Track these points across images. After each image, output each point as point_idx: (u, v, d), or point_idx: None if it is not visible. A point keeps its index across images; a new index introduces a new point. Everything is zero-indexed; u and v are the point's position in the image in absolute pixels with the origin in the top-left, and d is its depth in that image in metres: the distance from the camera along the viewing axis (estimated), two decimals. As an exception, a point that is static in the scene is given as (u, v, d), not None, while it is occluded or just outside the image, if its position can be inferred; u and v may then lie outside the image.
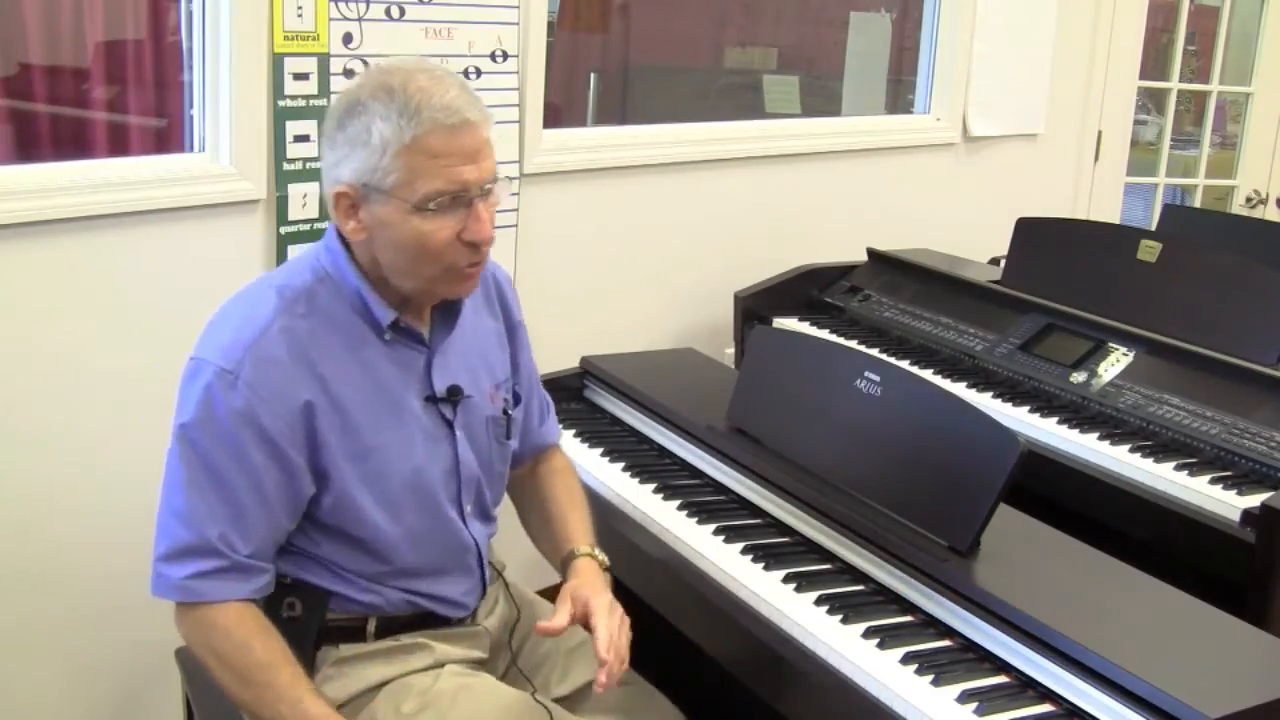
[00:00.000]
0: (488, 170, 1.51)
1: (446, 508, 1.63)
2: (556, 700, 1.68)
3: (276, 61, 2.29)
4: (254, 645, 1.49)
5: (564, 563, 1.71)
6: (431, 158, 1.46)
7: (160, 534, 1.54)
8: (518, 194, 2.74)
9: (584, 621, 1.58)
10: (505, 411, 1.73)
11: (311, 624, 1.58)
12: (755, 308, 2.99)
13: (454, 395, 1.63)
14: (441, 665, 1.63)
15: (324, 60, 2.36)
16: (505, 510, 1.79)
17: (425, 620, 1.64)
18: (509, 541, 1.82)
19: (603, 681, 1.52)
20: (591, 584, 1.63)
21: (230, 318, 1.55)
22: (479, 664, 1.68)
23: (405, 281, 1.54)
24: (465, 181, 1.48)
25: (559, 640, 1.76)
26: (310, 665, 1.58)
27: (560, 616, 1.57)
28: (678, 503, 2.01)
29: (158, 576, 1.53)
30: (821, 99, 4.08)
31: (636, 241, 3.06)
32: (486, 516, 1.72)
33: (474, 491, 1.68)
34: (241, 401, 1.47)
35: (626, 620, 1.62)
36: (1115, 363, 2.53)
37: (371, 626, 1.60)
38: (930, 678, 1.54)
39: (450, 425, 1.63)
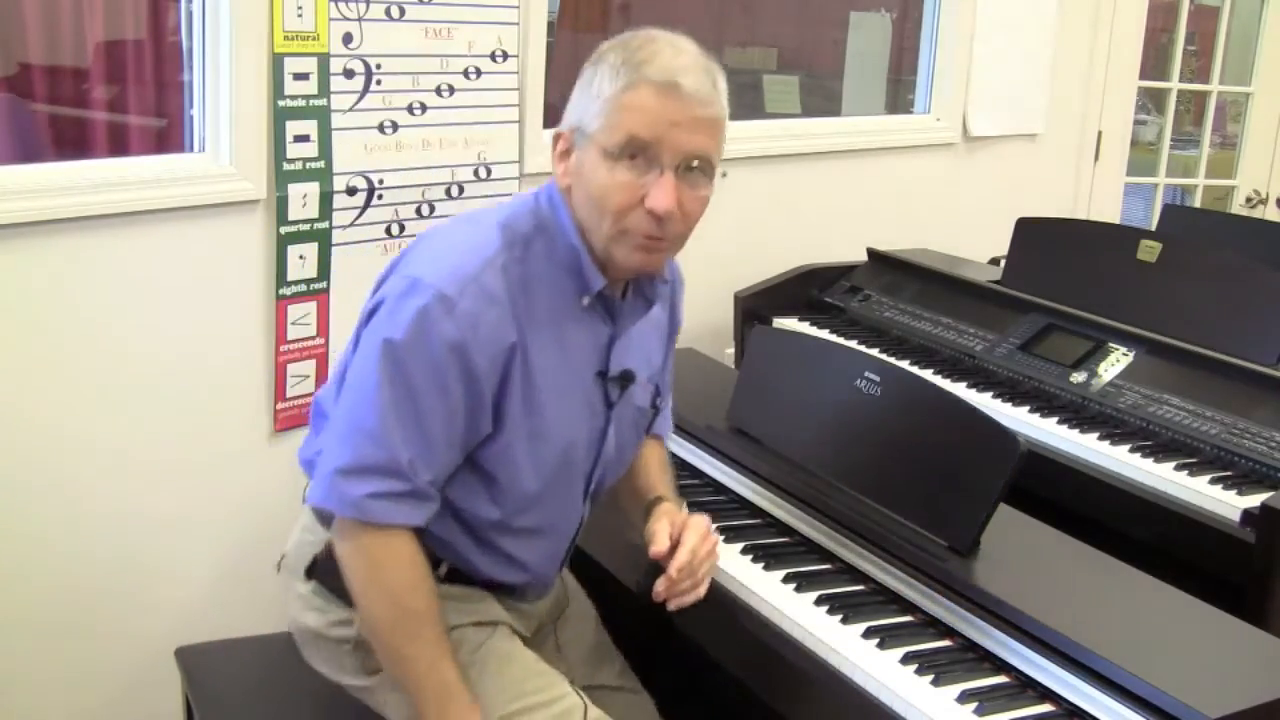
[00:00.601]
0: (691, 146, 1.48)
1: (578, 482, 1.66)
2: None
3: (276, 61, 2.29)
4: (421, 590, 1.50)
5: (648, 508, 1.73)
6: (633, 109, 1.47)
7: (344, 446, 1.49)
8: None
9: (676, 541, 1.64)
10: (653, 405, 1.77)
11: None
12: (755, 308, 2.99)
13: (626, 379, 1.65)
14: (492, 623, 1.65)
15: (324, 60, 2.35)
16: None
17: (489, 585, 1.66)
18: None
19: (659, 591, 1.59)
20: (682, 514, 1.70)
21: (453, 245, 1.53)
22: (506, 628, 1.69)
23: (592, 238, 1.54)
24: (658, 139, 1.46)
25: (589, 640, 1.83)
26: None
27: (660, 539, 1.61)
28: (678, 503, 2.01)
29: (333, 489, 1.49)
30: (821, 99, 4.08)
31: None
32: (597, 498, 1.75)
33: (603, 473, 1.70)
34: (455, 332, 1.46)
35: (717, 553, 1.68)
36: (1115, 363, 2.53)
37: (444, 570, 1.62)
38: (930, 678, 1.55)
39: (610, 406, 1.65)
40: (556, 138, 1.56)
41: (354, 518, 1.48)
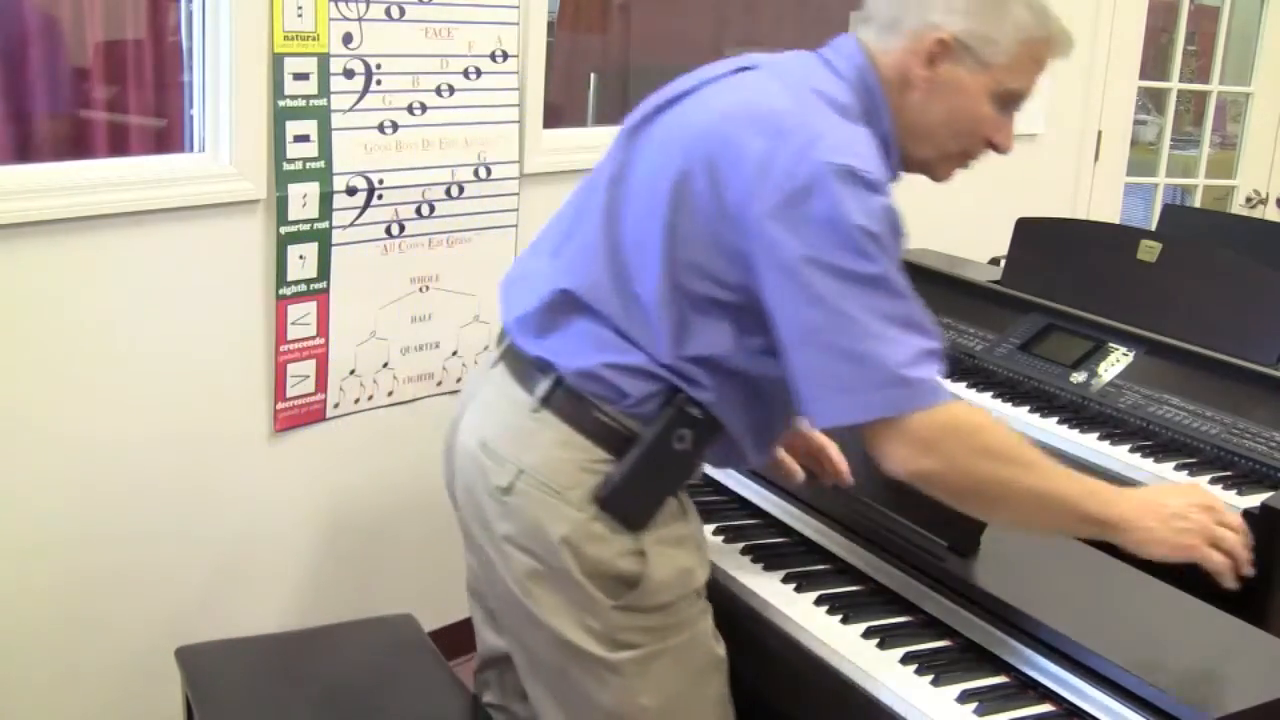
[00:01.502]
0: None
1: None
2: None
3: (276, 61, 2.29)
4: (1008, 430, 1.49)
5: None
6: (1036, 63, 1.54)
7: (889, 346, 1.38)
8: (518, 194, 2.74)
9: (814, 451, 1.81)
10: None
11: (693, 460, 1.55)
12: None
13: None
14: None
15: (324, 60, 2.35)
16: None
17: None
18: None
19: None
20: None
21: (836, 125, 1.45)
22: None
23: (920, 146, 1.57)
24: (1030, 96, 1.56)
25: None
26: (656, 509, 1.52)
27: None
28: (678, 503, 2.01)
29: (908, 386, 1.38)
30: (821, 99, 4.07)
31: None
32: None
33: None
34: (895, 213, 1.44)
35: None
36: (1115, 363, 2.53)
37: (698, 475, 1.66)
38: (930, 678, 1.54)
39: None
40: (940, 43, 1.50)
41: (938, 402, 1.40)
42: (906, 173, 1.61)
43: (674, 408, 1.49)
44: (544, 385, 1.54)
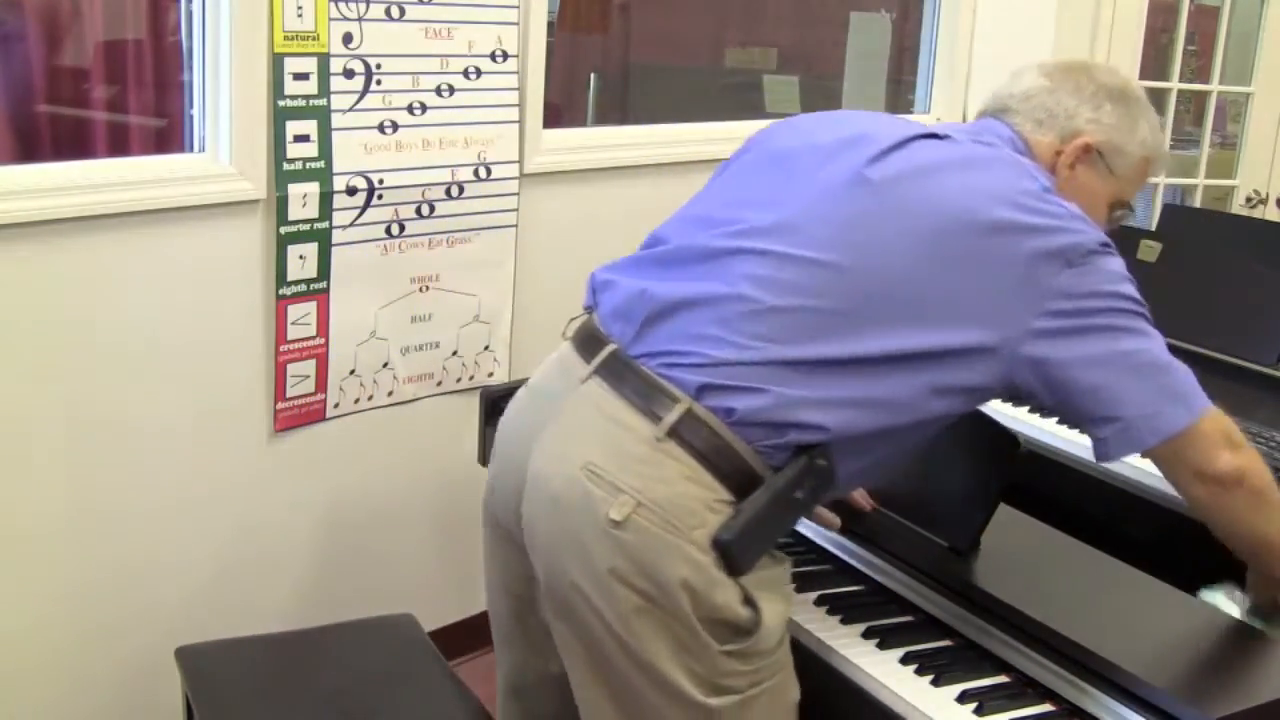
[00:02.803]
0: None
1: None
2: None
3: (276, 61, 2.29)
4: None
5: None
6: (1145, 179, 1.70)
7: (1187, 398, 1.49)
8: (518, 194, 2.74)
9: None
10: None
11: (799, 517, 1.54)
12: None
13: None
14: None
15: (324, 60, 2.35)
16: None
17: None
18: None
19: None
20: None
21: (1070, 208, 1.51)
22: None
23: None
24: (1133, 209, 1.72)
25: None
26: (757, 561, 1.44)
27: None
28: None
29: (1215, 439, 1.49)
30: (821, 99, 4.08)
31: (637, 242, 3.05)
32: None
33: None
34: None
35: None
36: (1115, 363, 2.53)
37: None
38: (930, 678, 1.54)
39: None
40: (1086, 148, 1.63)
41: (1208, 406, 1.49)
42: None
43: (807, 457, 1.43)
44: (675, 413, 1.43)
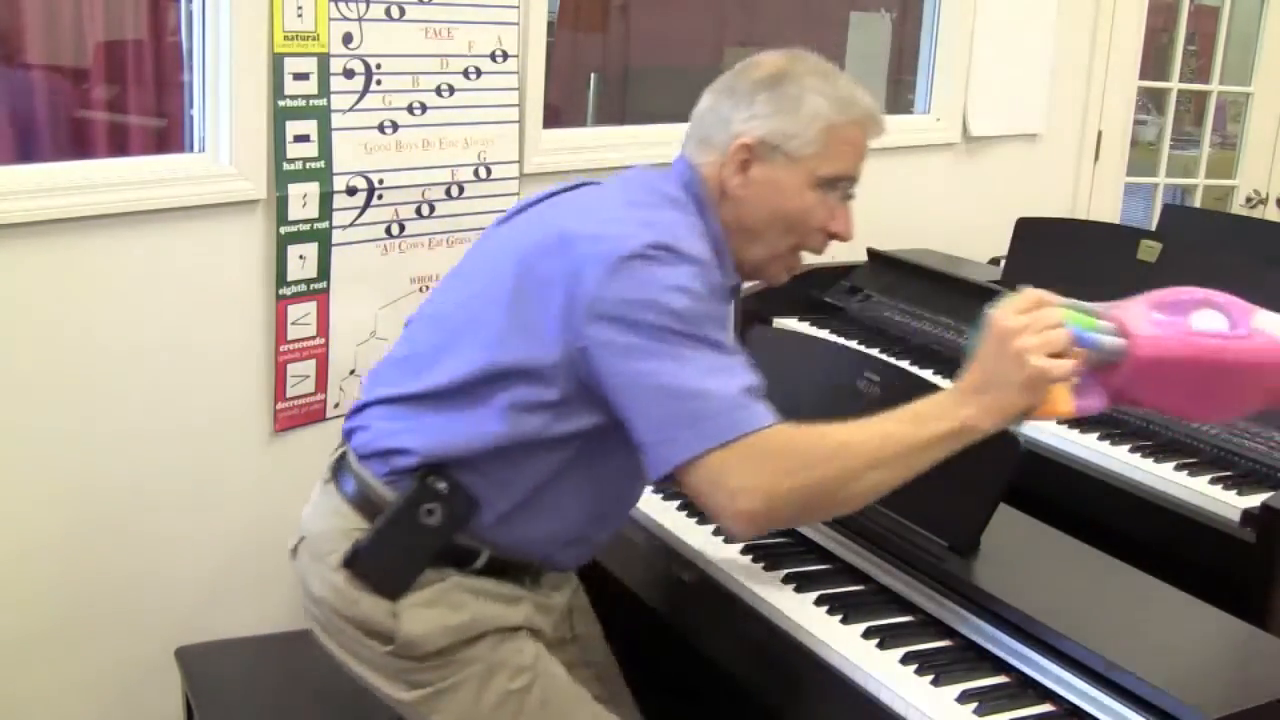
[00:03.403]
0: (860, 173, 1.62)
1: None
2: None
3: (276, 61, 2.29)
4: (824, 432, 1.40)
5: None
6: (848, 144, 1.59)
7: (714, 386, 1.40)
8: (518, 194, 2.74)
9: None
10: None
11: (440, 538, 1.55)
12: (755, 308, 2.99)
13: None
14: (532, 631, 1.63)
15: (324, 60, 2.35)
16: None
17: (527, 571, 1.63)
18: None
19: None
20: None
21: (657, 214, 1.51)
22: (535, 634, 1.66)
23: (753, 248, 1.59)
24: (856, 175, 1.61)
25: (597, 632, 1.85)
26: (412, 578, 1.55)
27: None
28: (677, 503, 2.01)
29: (739, 412, 1.38)
30: (821, 99, 4.07)
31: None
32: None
33: None
34: (716, 277, 1.49)
35: None
36: (1115, 363, 2.53)
37: (483, 559, 1.58)
38: (930, 678, 1.55)
39: None
40: (743, 148, 1.57)
41: (744, 433, 1.37)
42: (744, 279, 1.65)
43: (419, 479, 1.54)
44: (334, 457, 1.68)
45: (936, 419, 1.40)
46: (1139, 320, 1.41)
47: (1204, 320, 1.42)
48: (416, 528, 1.53)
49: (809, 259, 3.18)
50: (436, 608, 1.56)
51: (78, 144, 2.42)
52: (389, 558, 1.56)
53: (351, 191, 2.44)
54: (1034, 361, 1.34)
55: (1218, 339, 1.41)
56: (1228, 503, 2.10)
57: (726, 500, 1.38)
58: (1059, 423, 2.43)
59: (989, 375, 1.37)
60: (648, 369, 1.40)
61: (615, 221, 1.48)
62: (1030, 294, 1.39)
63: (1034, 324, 1.36)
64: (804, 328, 2.97)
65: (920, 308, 2.94)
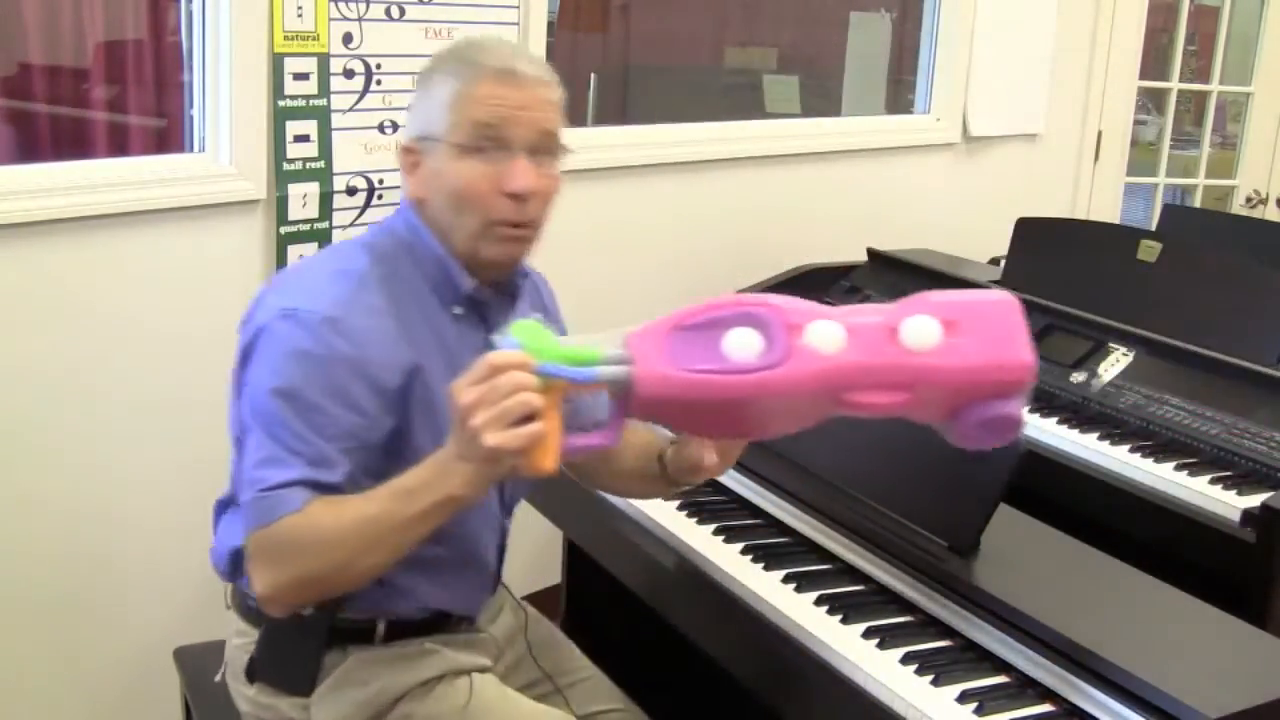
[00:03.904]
0: (538, 126, 1.51)
1: (492, 493, 1.60)
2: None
3: (276, 61, 2.29)
4: (343, 506, 1.38)
5: (660, 456, 1.66)
6: (477, 100, 1.49)
7: (264, 470, 1.42)
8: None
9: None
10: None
11: (321, 624, 1.55)
12: (755, 308, 2.99)
13: None
14: (458, 673, 1.61)
15: (324, 60, 2.36)
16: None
17: (435, 624, 1.62)
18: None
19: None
20: None
21: (319, 271, 1.52)
22: (484, 671, 1.66)
23: (453, 238, 1.53)
24: (505, 122, 1.48)
25: (561, 644, 1.80)
26: (315, 670, 1.56)
27: (709, 453, 1.55)
28: (677, 503, 2.01)
29: (258, 506, 1.41)
30: (821, 99, 4.08)
31: (636, 241, 3.06)
32: (510, 511, 1.72)
33: (513, 482, 1.66)
34: (353, 349, 1.43)
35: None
36: (1115, 363, 2.53)
37: (381, 629, 1.57)
38: (930, 678, 1.54)
39: None
40: (405, 152, 1.55)
41: (276, 518, 1.39)
42: (481, 269, 1.55)
43: None
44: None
45: (424, 493, 1.34)
46: (649, 352, 1.27)
47: (738, 342, 1.27)
48: (297, 622, 1.52)
49: (808, 259, 3.18)
50: (345, 689, 1.56)
51: (78, 144, 2.42)
52: (283, 658, 1.57)
53: (351, 191, 2.44)
54: (487, 441, 1.24)
55: (727, 375, 1.24)
56: (1228, 503, 2.10)
57: (252, 583, 1.43)
58: (1059, 422, 2.43)
59: (460, 449, 1.29)
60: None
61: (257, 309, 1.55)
62: (488, 361, 1.25)
63: (488, 396, 1.24)
64: (804, 328, 2.96)
65: (920, 308, 2.93)
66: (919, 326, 1.28)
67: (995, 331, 1.29)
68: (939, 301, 1.30)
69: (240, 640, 1.64)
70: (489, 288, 1.58)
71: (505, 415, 1.23)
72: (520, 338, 1.27)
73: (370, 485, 1.41)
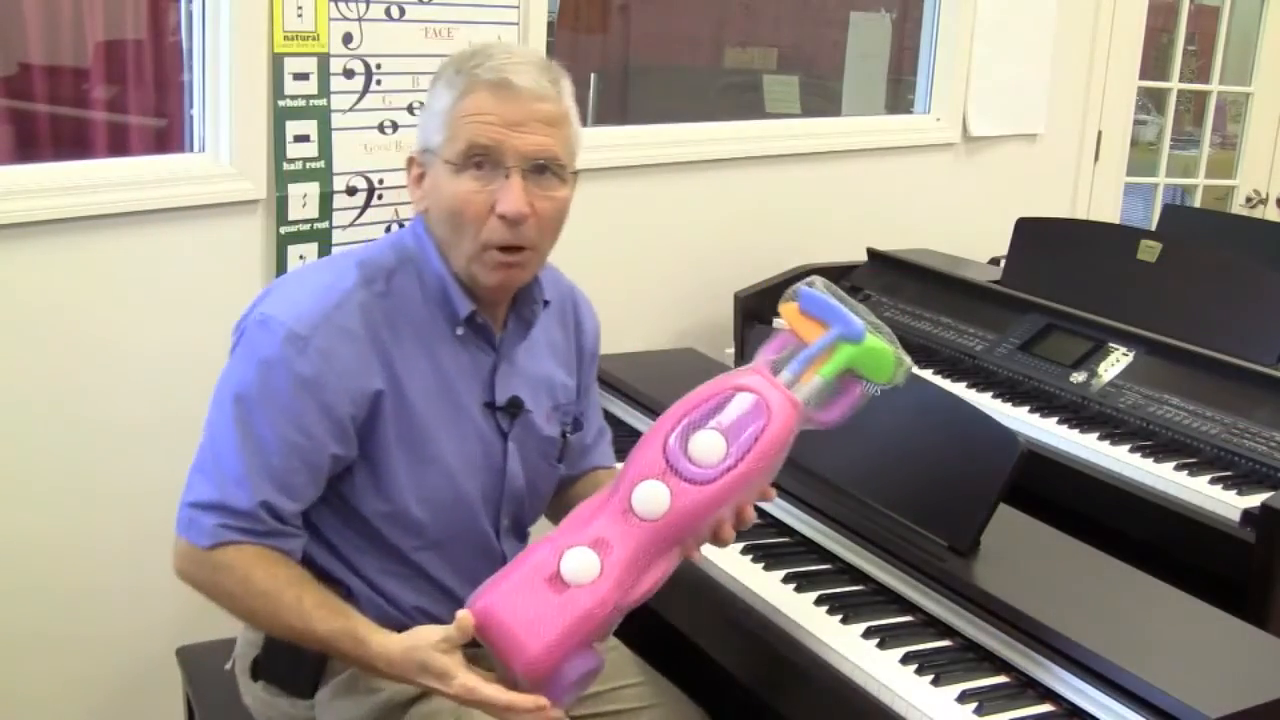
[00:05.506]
0: (532, 145, 1.46)
1: (483, 519, 1.60)
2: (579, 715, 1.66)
3: (276, 61, 2.29)
4: (253, 575, 1.44)
5: None
6: (471, 114, 1.45)
7: (207, 483, 1.47)
8: (518, 194, 2.74)
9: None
10: (563, 435, 1.69)
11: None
12: (755, 308, 2.99)
13: (514, 407, 1.59)
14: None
15: (324, 60, 2.36)
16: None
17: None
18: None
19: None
20: None
21: (307, 283, 1.52)
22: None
23: (454, 258, 1.51)
24: (497, 141, 1.44)
25: None
26: (318, 673, 1.57)
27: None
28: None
29: (192, 523, 1.48)
30: (821, 99, 4.08)
31: (636, 241, 3.06)
32: (521, 535, 1.70)
33: (514, 507, 1.65)
34: (310, 370, 1.44)
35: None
36: (1115, 363, 2.53)
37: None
38: (930, 678, 1.54)
39: (504, 436, 1.60)
40: (410, 163, 1.53)
41: (209, 545, 1.46)
42: (479, 292, 1.54)
43: None
44: None
45: (363, 651, 1.42)
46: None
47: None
48: None
49: (808, 259, 3.18)
50: (351, 695, 1.56)
51: (78, 144, 2.42)
52: (286, 660, 1.57)
53: (351, 191, 2.44)
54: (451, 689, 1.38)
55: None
56: (1228, 503, 2.10)
57: (174, 557, 1.53)
58: (1059, 422, 2.43)
59: (422, 678, 1.40)
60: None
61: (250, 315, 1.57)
62: (507, 702, 1.36)
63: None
64: (804, 328, 2.96)
65: (920, 308, 2.94)
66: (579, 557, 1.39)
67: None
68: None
69: (252, 636, 1.64)
70: (492, 311, 1.56)
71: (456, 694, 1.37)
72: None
73: (329, 504, 1.50)
